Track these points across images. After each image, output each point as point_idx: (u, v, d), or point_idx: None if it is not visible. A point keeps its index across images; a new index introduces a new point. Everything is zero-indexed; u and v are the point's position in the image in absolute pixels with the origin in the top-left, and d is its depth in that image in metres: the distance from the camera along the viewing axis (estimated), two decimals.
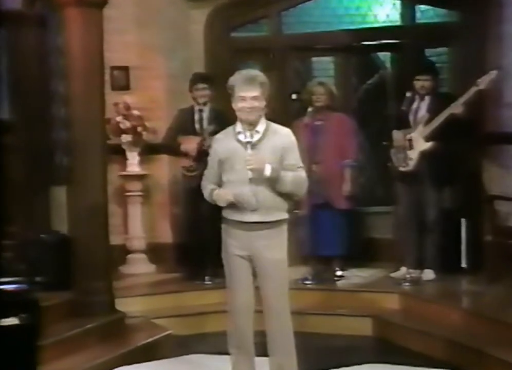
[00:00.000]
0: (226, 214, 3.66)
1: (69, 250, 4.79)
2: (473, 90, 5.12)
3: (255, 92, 3.56)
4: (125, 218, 6.43)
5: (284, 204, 3.65)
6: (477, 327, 4.55)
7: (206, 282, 5.63)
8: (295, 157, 3.66)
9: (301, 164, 3.67)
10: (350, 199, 5.71)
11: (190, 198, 5.70)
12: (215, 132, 5.57)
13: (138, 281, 5.97)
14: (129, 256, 6.33)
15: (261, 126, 3.63)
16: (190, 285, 5.67)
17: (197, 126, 5.71)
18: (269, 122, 3.67)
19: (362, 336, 5.09)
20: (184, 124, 5.73)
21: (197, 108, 5.74)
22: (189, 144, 5.64)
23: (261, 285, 3.67)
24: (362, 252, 6.22)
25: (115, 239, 5.56)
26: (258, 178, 3.52)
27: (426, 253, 5.52)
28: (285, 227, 3.67)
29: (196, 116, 5.73)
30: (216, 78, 5.92)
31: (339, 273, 5.80)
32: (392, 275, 5.66)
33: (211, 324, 5.14)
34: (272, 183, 3.55)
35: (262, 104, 3.60)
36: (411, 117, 5.48)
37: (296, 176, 3.62)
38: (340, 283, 5.71)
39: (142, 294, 5.54)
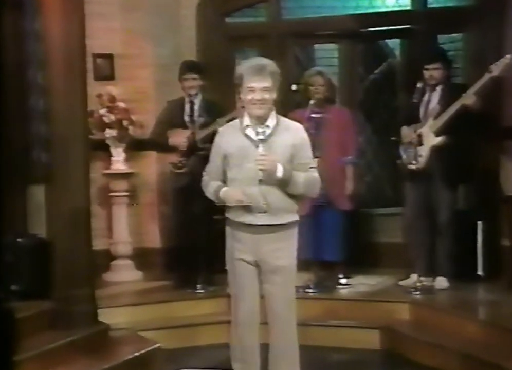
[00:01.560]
0: (231, 215, 3.66)
1: (47, 255, 4.78)
2: (487, 77, 5.09)
3: (265, 83, 3.55)
4: (109, 221, 6.41)
5: (294, 206, 3.67)
6: (495, 339, 4.54)
7: (198, 291, 5.61)
8: (307, 155, 3.68)
9: (314, 164, 3.70)
10: (353, 199, 5.70)
11: (180, 197, 5.69)
12: (206, 125, 5.62)
13: (123, 289, 5.95)
14: (114, 262, 6.31)
15: (272, 120, 3.64)
16: (181, 294, 5.64)
17: (186, 118, 5.69)
18: (279, 116, 3.68)
19: (369, 349, 5.07)
20: (174, 116, 5.72)
21: (187, 99, 5.73)
22: (178, 138, 5.62)
23: (266, 293, 3.67)
24: (368, 257, 6.22)
25: (98, 244, 5.54)
26: (268, 179, 3.53)
27: (439, 259, 5.50)
28: (294, 231, 3.69)
29: (186, 108, 5.72)
30: (208, 67, 5.90)
31: (343, 280, 5.79)
32: (402, 283, 5.65)
33: (203, 336, 5.15)
34: (283, 184, 3.56)
35: (273, 95, 3.60)
36: (422, 110, 5.48)
37: (308, 177, 3.64)
38: (344, 291, 5.70)
39: (127, 304, 5.52)
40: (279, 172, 3.52)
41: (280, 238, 3.61)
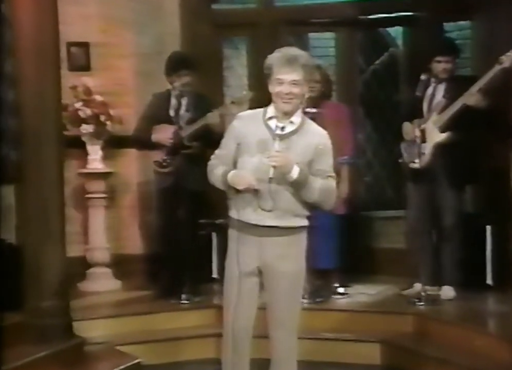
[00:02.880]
0: (235, 213, 3.65)
1: (17, 262, 4.75)
2: (497, 68, 5.09)
3: (295, 76, 3.55)
4: (85, 225, 6.40)
5: (303, 210, 3.67)
6: (505, 353, 4.53)
7: (182, 301, 5.61)
8: (328, 163, 3.67)
9: (332, 173, 3.70)
10: (349, 202, 5.70)
11: (164, 199, 5.68)
12: (193, 121, 5.60)
13: (101, 300, 5.93)
14: (90, 270, 6.29)
15: (298, 118, 3.65)
16: (164, 305, 5.64)
17: (171, 113, 5.67)
18: (305, 117, 3.70)
19: (369, 365, 5.07)
20: (159, 111, 5.69)
21: (174, 92, 5.69)
22: (163, 134, 5.60)
23: (268, 301, 3.67)
24: (368, 265, 6.24)
25: (73, 250, 5.52)
26: (279, 178, 3.53)
27: (445, 266, 5.52)
28: (302, 236, 3.70)
29: (173, 102, 5.69)
30: (194, 58, 5.88)
31: (340, 290, 5.79)
32: (405, 292, 5.66)
33: (188, 350, 5.14)
34: (298, 187, 3.56)
35: (303, 90, 3.61)
36: (425, 104, 5.49)
37: (325, 185, 3.63)
38: (341, 302, 5.71)
39: (105, 316, 5.50)
40: (295, 174, 3.52)
41: (286, 243, 3.61)
